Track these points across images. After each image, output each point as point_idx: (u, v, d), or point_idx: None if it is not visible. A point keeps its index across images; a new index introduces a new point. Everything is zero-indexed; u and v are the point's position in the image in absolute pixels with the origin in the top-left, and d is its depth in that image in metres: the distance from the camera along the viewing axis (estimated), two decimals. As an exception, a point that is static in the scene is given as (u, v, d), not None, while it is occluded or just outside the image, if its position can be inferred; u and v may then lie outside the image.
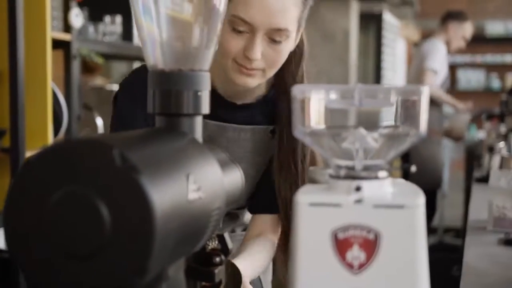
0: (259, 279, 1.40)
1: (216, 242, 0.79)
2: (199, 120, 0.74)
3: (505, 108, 4.10)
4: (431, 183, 4.19)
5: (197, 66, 0.74)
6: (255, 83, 1.22)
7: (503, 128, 3.89)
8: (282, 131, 1.29)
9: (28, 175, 0.56)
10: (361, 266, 0.61)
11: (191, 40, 0.75)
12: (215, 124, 1.28)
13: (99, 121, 2.83)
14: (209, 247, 0.79)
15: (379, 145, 0.66)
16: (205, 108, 0.74)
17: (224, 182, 0.73)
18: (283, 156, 1.28)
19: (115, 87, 3.05)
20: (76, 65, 2.59)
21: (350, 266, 0.61)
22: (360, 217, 0.62)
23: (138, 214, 0.54)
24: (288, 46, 1.20)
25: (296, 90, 0.65)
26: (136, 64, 3.57)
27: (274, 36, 1.17)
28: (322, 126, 0.66)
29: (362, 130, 0.67)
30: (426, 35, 8.91)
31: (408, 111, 0.64)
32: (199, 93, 0.73)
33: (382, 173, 0.66)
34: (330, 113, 0.67)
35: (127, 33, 3.04)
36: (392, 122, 0.66)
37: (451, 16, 4.34)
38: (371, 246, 0.61)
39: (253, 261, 1.25)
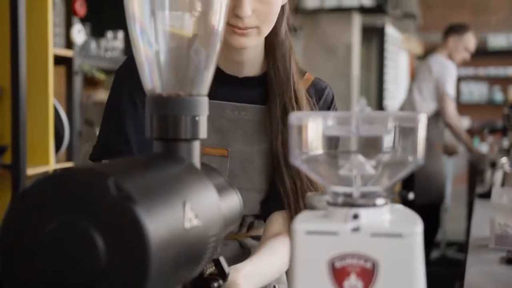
0: None
1: (213, 267, 0.79)
2: (197, 145, 0.74)
3: (507, 122, 4.10)
4: (434, 197, 4.18)
5: (195, 91, 0.74)
6: (252, 42, 1.19)
7: (505, 142, 3.88)
8: (275, 110, 1.24)
9: (23, 205, 0.56)
10: (359, 295, 0.61)
11: (189, 64, 0.75)
12: (213, 103, 1.21)
13: (101, 137, 2.83)
14: (207, 272, 0.78)
15: (377, 172, 0.65)
16: (203, 133, 0.74)
17: (222, 207, 0.73)
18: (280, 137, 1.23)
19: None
20: (77, 81, 2.60)
21: (347, 295, 0.61)
22: (358, 246, 0.61)
23: (133, 244, 0.54)
24: None
25: (293, 118, 0.65)
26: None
27: None
28: (319, 153, 0.66)
29: (359, 157, 0.66)
30: (429, 48, 8.92)
31: (405, 138, 0.64)
32: (196, 118, 0.73)
33: (380, 200, 0.65)
34: (328, 138, 0.67)
35: (129, 49, 3.05)
36: (390, 149, 0.65)
37: (451, 30, 4.34)
38: (368, 275, 0.61)
39: (274, 260, 1.20)
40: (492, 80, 9.10)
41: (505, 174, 2.81)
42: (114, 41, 2.94)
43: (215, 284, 0.77)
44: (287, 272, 1.29)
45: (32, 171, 2.33)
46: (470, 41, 4.29)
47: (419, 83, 4.29)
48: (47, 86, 2.38)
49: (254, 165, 1.23)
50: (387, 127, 0.63)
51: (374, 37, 6.96)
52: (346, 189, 0.66)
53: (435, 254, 5.13)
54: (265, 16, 1.16)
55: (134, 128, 1.20)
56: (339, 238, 0.62)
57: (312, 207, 0.71)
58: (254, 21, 1.16)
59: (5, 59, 2.32)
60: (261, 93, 1.26)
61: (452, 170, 5.96)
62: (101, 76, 2.78)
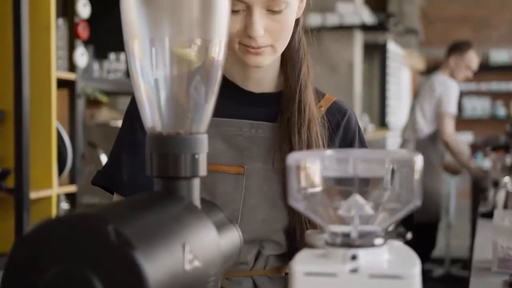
0: None
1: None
2: (196, 182, 0.75)
3: (510, 139, 4.10)
4: (431, 216, 4.16)
5: (194, 129, 0.75)
6: (268, 60, 1.15)
7: (508, 159, 3.88)
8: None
9: (23, 251, 0.57)
10: (358, 337, 0.61)
11: (189, 101, 0.76)
12: (231, 121, 1.19)
13: (104, 158, 2.84)
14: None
15: (376, 212, 0.66)
16: (203, 170, 0.74)
17: (221, 245, 0.73)
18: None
19: (120, 124, 3.07)
20: (80, 104, 2.61)
21: (346, 337, 0.61)
22: (356, 287, 0.62)
23: (133, 290, 0.54)
24: (290, 13, 1.13)
25: (291, 159, 0.65)
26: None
27: (272, 7, 1.11)
28: (317, 193, 0.66)
29: (358, 197, 0.67)
30: (431, 63, 8.95)
31: (403, 178, 0.65)
32: (196, 156, 0.74)
33: (378, 240, 0.66)
34: (327, 178, 0.68)
35: (131, 70, 3.06)
36: (387, 189, 0.66)
37: (453, 48, 4.35)
38: (367, 316, 0.61)
39: None
40: (495, 95, 9.13)
41: (508, 194, 2.81)
42: (117, 63, 2.96)
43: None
44: None
45: (35, 194, 2.33)
46: (472, 59, 4.29)
47: (422, 103, 4.28)
48: (50, 109, 2.39)
49: (273, 185, 1.18)
50: (384, 168, 0.64)
51: (376, 53, 6.99)
52: (345, 229, 0.66)
53: (439, 271, 5.11)
54: (278, 34, 1.13)
55: (137, 161, 1.19)
56: (338, 279, 0.62)
57: (311, 245, 0.72)
58: (267, 40, 1.13)
59: (8, 83, 2.33)
60: (277, 111, 1.22)
61: (455, 185, 5.95)
62: (103, 98, 2.79)
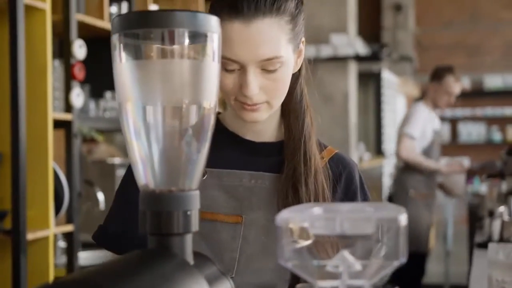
0: None
1: None
2: (189, 238, 0.77)
3: (504, 167, 4.11)
4: (418, 246, 4.13)
5: (187, 186, 0.77)
6: (264, 116, 1.16)
7: (504, 186, 3.89)
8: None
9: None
10: None
11: (181, 158, 0.78)
12: (231, 172, 1.20)
13: (100, 196, 2.86)
14: None
15: (363, 268, 0.68)
16: (195, 226, 0.76)
17: (214, 301, 0.75)
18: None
19: (117, 160, 3.09)
20: (76, 144, 2.64)
21: None
22: None
23: None
24: (286, 71, 1.14)
25: (280, 219, 0.67)
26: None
27: (266, 66, 1.11)
28: (305, 251, 0.68)
29: (345, 254, 0.69)
30: (426, 90, 9.02)
31: (388, 236, 0.67)
32: (188, 213, 0.76)
33: (366, 296, 0.67)
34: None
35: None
36: (374, 246, 0.68)
37: (432, 75, 4.36)
38: None
39: None
40: (490, 120, 9.19)
41: (503, 223, 2.82)
42: (112, 101, 2.99)
43: None
44: None
45: (32, 235, 2.34)
46: (450, 84, 4.24)
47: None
48: (47, 150, 2.41)
49: (272, 235, 1.17)
50: (371, 227, 0.66)
51: (370, 82, 7.05)
52: (333, 283, 0.68)
53: (438, 299, 5.10)
54: (273, 92, 1.14)
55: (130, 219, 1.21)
56: (326, 337, 0.64)
57: (301, 300, 0.73)
58: (262, 97, 1.13)
59: (5, 124, 2.36)
60: (278, 161, 1.22)
61: (452, 212, 5.96)
62: (99, 138, 2.82)
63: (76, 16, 2.67)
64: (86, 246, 2.81)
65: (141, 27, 0.74)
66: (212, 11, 1.13)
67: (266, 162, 1.22)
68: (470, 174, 8.84)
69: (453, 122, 9.37)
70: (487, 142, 9.20)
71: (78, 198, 2.64)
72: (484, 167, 8.79)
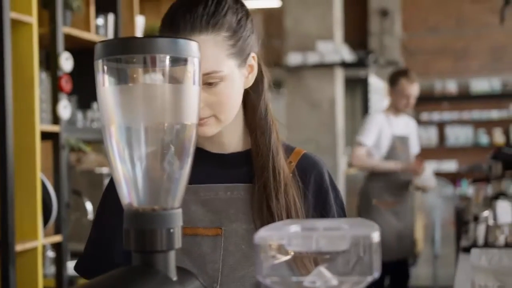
0: None
1: None
2: (172, 254, 0.79)
3: (489, 172, 4.16)
4: (388, 254, 4.06)
5: (169, 204, 0.79)
6: (214, 130, 1.18)
7: (489, 190, 3.93)
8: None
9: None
10: None
11: (163, 177, 0.81)
12: (207, 186, 1.22)
13: (89, 206, 2.88)
14: None
15: (339, 283, 0.71)
16: (178, 243, 0.79)
17: (197, 316, 0.78)
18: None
19: (105, 170, 3.10)
20: (64, 155, 2.66)
21: None
22: None
23: None
24: (229, 86, 1.16)
25: (257, 237, 0.70)
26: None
27: (206, 80, 1.13)
28: (283, 268, 0.71)
29: (322, 269, 0.72)
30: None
31: (363, 253, 0.69)
32: (171, 230, 0.78)
33: (342, 310, 0.70)
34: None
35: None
36: (348, 262, 0.71)
37: (389, 80, 4.34)
38: None
39: None
40: (477, 124, 9.25)
41: (488, 227, 2.86)
42: (100, 112, 3.00)
43: None
44: None
45: (21, 246, 2.36)
46: (403, 86, 4.18)
47: None
48: (35, 162, 2.43)
49: (251, 246, 1.15)
50: (345, 244, 0.69)
51: (357, 87, 7.10)
52: (311, 298, 0.71)
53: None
54: (218, 106, 1.16)
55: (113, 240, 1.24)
56: None
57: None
58: (207, 111, 1.15)
59: (-8, 137, 2.37)
60: (249, 170, 1.25)
61: (441, 215, 6.01)
62: (87, 149, 2.84)
63: (63, 29, 2.69)
64: (75, 256, 2.83)
65: (123, 53, 0.76)
66: (160, 31, 1.18)
67: (238, 173, 1.25)
68: (458, 177, 8.92)
69: (440, 126, 9.43)
70: (474, 145, 9.26)
71: (66, 208, 2.66)
72: (472, 169, 8.87)
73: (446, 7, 9.24)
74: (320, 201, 1.27)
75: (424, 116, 9.31)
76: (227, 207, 1.22)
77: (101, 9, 3.06)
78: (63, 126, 2.65)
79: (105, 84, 0.78)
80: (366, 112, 7.16)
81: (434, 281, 5.22)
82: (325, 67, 5.48)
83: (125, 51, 0.76)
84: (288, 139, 1.33)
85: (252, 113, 1.24)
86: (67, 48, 2.73)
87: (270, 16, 8.78)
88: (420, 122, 9.28)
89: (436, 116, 9.31)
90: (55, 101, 2.61)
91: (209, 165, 1.25)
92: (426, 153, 9.28)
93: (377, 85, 7.49)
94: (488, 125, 9.22)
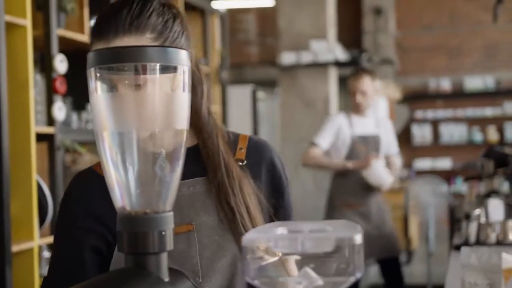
0: None
1: None
2: (164, 256, 0.82)
3: (482, 170, 4.19)
4: (368, 254, 4.01)
5: (161, 207, 0.82)
6: None
7: (482, 188, 3.96)
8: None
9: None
10: None
11: (155, 181, 0.83)
12: None
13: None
14: None
15: (324, 283, 0.73)
16: (170, 245, 0.82)
17: (188, 315, 0.80)
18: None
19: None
20: (59, 156, 2.68)
21: None
22: None
23: None
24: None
25: (245, 240, 0.73)
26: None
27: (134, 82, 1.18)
28: (270, 269, 0.74)
29: (308, 270, 0.74)
30: (407, 93, 9.12)
31: (346, 255, 0.72)
32: (163, 233, 0.81)
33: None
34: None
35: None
36: (333, 262, 0.74)
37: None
38: None
39: None
40: (471, 121, 9.29)
41: (479, 226, 2.89)
42: (94, 113, 3.02)
43: None
44: None
45: (17, 247, 2.38)
46: (350, 83, 4.17)
47: None
48: (30, 163, 2.45)
49: (223, 235, 1.25)
50: (330, 245, 0.72)
51: (352, 86, 7.09)
52: (297, 298, 0.74)
53: (421, 299, 5.17)
54: None
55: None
56: None
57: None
58: None
59: (-13, 139, 2.39)
60: (201, 163, 1.29)
61: (434, 212, 6.05)
62: (82, 150, 2.86)
63: (57, 31, 2.72)
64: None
65: (115, 62, 0.79)
66: (89, 38, 1.20)
67: (193, 168, 1.27)
68: (452, 175, 8.97)
69: (435, 124, 9.47)
70: (468, 143, 9.31)
71: (62, 209, 2.67)
72: (466, 167, 8.92)
73: (440, 5, 9.28)
74: (275, 187, 1.33)
75: (419, 113, 9.36)
76: (192, 202, 1.26)
77: (95, 11, 3.08)
78: (58, 128, 2.67)
79: (98, 91, 0.80)
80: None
81: (428, 279, 5.25)
82: (319, 66, 5.51)
83: (117, 60, 0.79)
84: (282, 138, 1.36)
85: (196, 116, 1.27)
86: (61, 50, 2.75)
87: (264, 16, 8.81)
88: (414, 120, 9.33)
89: (430, 113, 9.35)
90: (50, 103, 2.64)
91: None
92: (421, 151, 9.35)
93: (371, 84, 7.50)
94: (482, 122, 9.27)
